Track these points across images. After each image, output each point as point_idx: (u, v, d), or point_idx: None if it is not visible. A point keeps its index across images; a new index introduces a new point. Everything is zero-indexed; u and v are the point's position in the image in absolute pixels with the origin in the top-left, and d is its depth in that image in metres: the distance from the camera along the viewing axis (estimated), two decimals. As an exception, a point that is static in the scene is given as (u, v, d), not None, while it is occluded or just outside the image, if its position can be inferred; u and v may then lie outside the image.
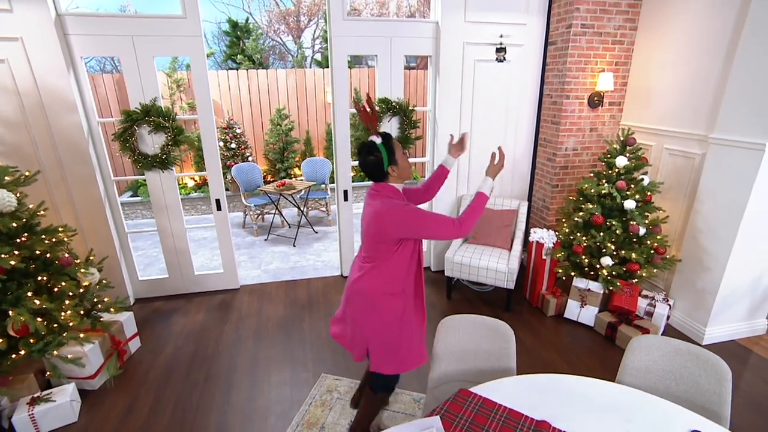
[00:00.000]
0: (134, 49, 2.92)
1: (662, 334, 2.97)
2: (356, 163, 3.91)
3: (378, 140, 1.68)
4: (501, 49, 3.33)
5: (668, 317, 3.02)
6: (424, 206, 2.17)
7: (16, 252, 2.13)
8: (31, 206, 2.33)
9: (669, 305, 2.97)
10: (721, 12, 2.66)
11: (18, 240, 2.21)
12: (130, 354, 2.82)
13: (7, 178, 2.21)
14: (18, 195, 2.22)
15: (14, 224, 2.16)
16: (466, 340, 1.89)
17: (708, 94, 2.78)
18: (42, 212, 2.37)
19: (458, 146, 2.04)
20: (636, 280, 3.01)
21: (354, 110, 3.29)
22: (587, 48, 3.25)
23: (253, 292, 3.66)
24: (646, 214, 2.98)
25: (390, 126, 3.50)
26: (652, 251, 2.96)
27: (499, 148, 1.89)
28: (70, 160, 2.96)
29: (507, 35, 3.32)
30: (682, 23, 2.93)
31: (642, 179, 2.99)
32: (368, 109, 1.81)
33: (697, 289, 2.90)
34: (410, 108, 3.45)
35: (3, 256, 2.03)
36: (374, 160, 1.68)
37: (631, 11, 3.23)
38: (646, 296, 3.05)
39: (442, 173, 2.04)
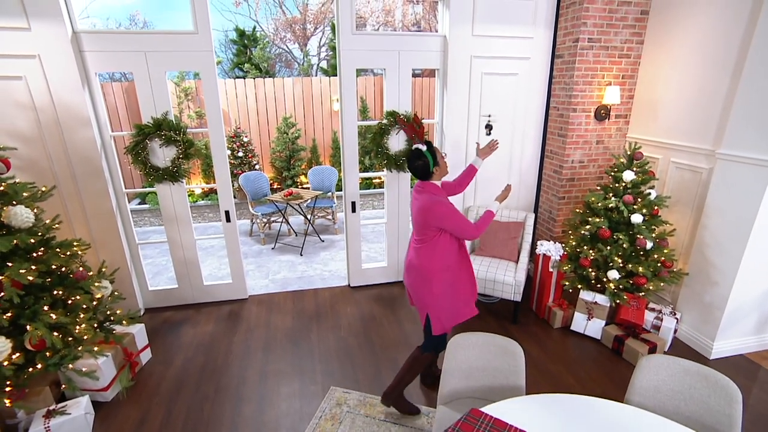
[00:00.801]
0: (147, 65, 2.97)
1: (669, 348, 2.98)
2: (364, 174, 3.91)
3: (423, 147, 2.10)
4: (488, 126, 3.56)
5: (675, 331, 3.02)
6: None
7: (33, 267, 2.17)
8: (47, 221, 2.38)
9: (676, 319, 2.97)
10: (729, 28, 2.68)
11: (35, 255, 2.26)
12: (142, 366, 2.86)
13: (25, 194, 2.26)
14: (35, 211, 2.27)
15: (31, 240, 2.20)
16: (476, 357, 1.91)
17: (715, 108, 2.80)
18: (57, 226, 2.41)
19: (486, 150, 2.57)
20: (643, 293, 3.02)
21: (360, 122, 3.33)
22: (594, 61, 3.28)
23: (262, 303, 3.70)
24: (653, 227, 2.99)
25: (398, 138, 3.53)
26: (659, 265, 2.97)
27: (508, 186, 2.46)
28: (84, 173, 3.01)
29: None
30: (689, 38, 2.95)
31: (649, 193, 3.00)
32: (416, 126, 2.20)
33: (704, 303, 2.90)
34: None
35: (21, 271, 2.07)
36: (422, 164, 2.09)
37: (638, 25, 3.26)
38: (653, 310, 3.06)
39: (471, 171, 2.52)
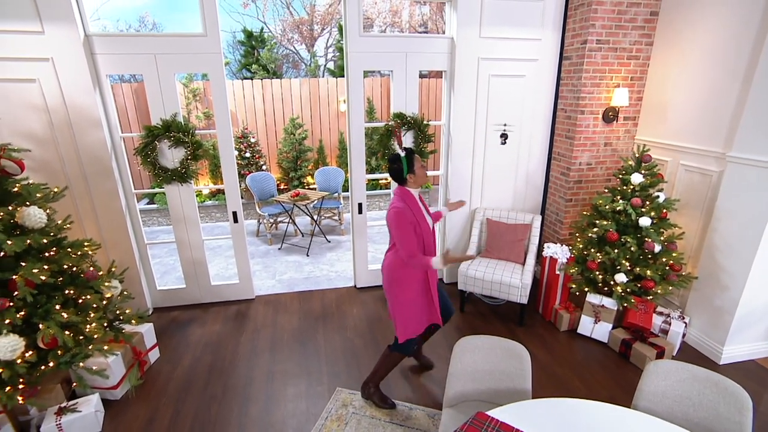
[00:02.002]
0: (156, 67, 3.01)
1: (678, 353, 2.95)
2: (371, 175, 3.93)
3: (402, 153, 2.17)
4: (504, 135, 3.58)
5: (684, 335, 2.99)
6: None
7: (46, 267, 2.20)
8: (59, 222, 2.42)
9: (685, 323, 2.94)
10: (740, 29, 2.64)
11: (47, 254, 2.29)
12: (150, 364, 2.89)
13: (38, 195, 2.30)
14: (48, 211, 2.31)
15: (44, 240, 2.24)
16: (482, 360, 1.91)
17: (726, 111, 2.77)
18: (68, 226, 2.45)
19: (455, 205, 2.66)
20: (651, 297, 2.99)
21: (367, 123, 3.34)
22: (602, 63, 3.26)
23: (268, 303, 3.72)
24: (662, 230, 2.97)
25: (404, 140, 3.54)
26: (667, 268, 2.94)
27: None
28: (94, 174, 3.06)
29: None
30: (699, 39, 2.92)
31: (657, 196, 2.97)
32: (398, 134, 2.38)
33: (714, 308, 2.87)
34: (425, 122, 3.49)
35: (34, 271, 2.11)
36: (397, 168, 2.17)
37: (647, 27, 3.23)
38: (661, 313, 3.03)
39: (437, 216, 2.50)
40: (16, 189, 2.24)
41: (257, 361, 2.93)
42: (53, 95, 2.81)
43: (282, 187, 6.73)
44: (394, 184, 2.33)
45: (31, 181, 2.31)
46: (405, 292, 2.22)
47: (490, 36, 3.33)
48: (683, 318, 2.99)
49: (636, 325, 2.94)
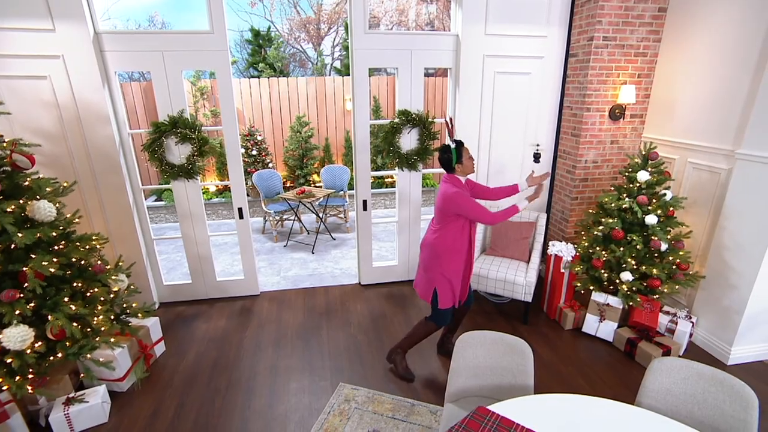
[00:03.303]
0: (164, 64, 3.04)
1: (684, 352, 2.92)
2: (375, 173, 3.95)
3: (452, 145, 2.37)
4: (537, 155, 3.67)
5: (691, 335, 2.96)
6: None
7: (55, 259, 2.25)
8: (68, 215, 2.46)
9: (692, 323, 2.91)
10: (750, 24, 2.61)
11: (56, 248, 2.34)
12: (156, 358, 2.93)
13: (47, 189, 2.34)
14: (57, 205, 2.35)
15: (53, 233, 2.28)
16: (484, 356, 1.91)
17: (735, 108, 2.73)
18: (77, 220, 2.49)
19: (537, 179, 2.66)
20: (657, 296, 2.96)
21: (372, 121, 3.34)
22: (609, 60, 3.23)
23: (273, 299, 3.75)
24: (669, 229, 2.93)
25: (410, 137, 3.54)
26: (674, 267, 2.91)
27: (544, 176, 2.66)
28: (103, 169, 3.10)
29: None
30: (708, 35, 2.89)
31: (664, 194, 2.94)
32: (450, 127, 2.61)
33: (722, 307, 2.83)
34: (430, 120, 3.49)
35: (44, 263, 2.15)
36: (446, 158, 2.38)
37: (655, 23, 3.20)
38: (667, 313, 3.00)
39: (513, 189, 2.65)
40: (27, 183, 2.28)
41: (261, 356, 2.96)
42: (63, 92, 2.86)
43: (288, 185, 6.77)
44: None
45: (41, 176, 2.36)
46: (451, 263, 2.43)
47: (496, 33, 3.32)
48: (690, 317, 2.95)
49: (642, 324, 2.91)
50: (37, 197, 2.29)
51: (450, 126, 2.57)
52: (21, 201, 2.22)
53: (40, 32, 2.72)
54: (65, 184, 2.45)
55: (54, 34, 2.73)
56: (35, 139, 2.86)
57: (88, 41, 2.79)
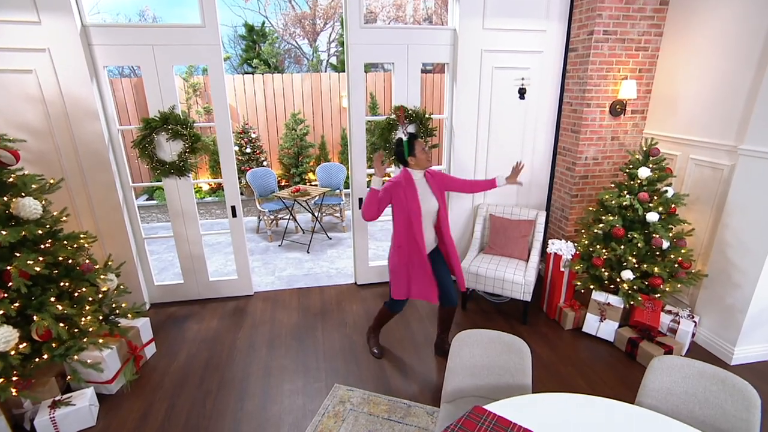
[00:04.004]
0: (154, 58, 2.97)
1: (687, 352, 2.87)
2: (372, 170, 3.90)
3: (404, 138, 2.43)
4: (522, 90, 3.47)
5: (693, 335, 2.91)
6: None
7: (41, 258, 2.18)
8: (54, 213, 2.39)
9: (694, 322, 2.86)
10: (753, 18, 2.55)
11: (42, 246, 2.26)
12: (146, 359, 2.86)
13: (33, 186, 2.27)
14: (43, 203, 2.28)
15: (39, 231, 2.21)
16: (481, 355, 1.85)
17: (738, 103, 2.67)
18: (64, 218, 2.42)
19: (512, 176, 2.71)
20: (658, 294, 2.91)
21: (368, 117, 3.29)
22: (609, 55, 3.17)
23: (267, 299, 3.68)
24: (670, 226, 2.88)
25: (407, 134, 3.47)
26: (675, 265, 2.86)
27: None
28: (91, 167, 3.03)
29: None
30: (710, 29, 2.83)
31: (666, 191, 2.89)
32: (399, 116, 2.69)
33: (725, 306, 2.78)
34: (427, 116, 3.43)
35: (29, 262, 2.07)
36: (399, 150, 2.46)
37: (656, 17, 3.14)
38: (669, 312, 2.95)
39: (490, 184, 2.71)
40: (11, 179, 2.22)
41: (254, 356, 2.89)
42: (50, 86, 2.78)
43: (283, 183, 6.70)
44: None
45: (26, 172, 2.29)
46: (393, 256, 2.54)
47: (494, 27, 3.26)
48: (693, 317, 2.90)
49: (643, 324, 2.86)
50: (22, 194, 2.22)
51: (399, 116, 2.62)
52: (5, 198, 2.16)
53: (25, 24, 2.64)
54: (52, 181, 2.38)
55: (39, 26, 2.65)
56: (20, 135, 2.78)
57: (75, 34, 2.71)
